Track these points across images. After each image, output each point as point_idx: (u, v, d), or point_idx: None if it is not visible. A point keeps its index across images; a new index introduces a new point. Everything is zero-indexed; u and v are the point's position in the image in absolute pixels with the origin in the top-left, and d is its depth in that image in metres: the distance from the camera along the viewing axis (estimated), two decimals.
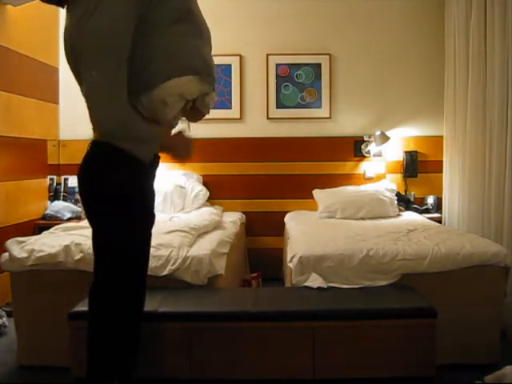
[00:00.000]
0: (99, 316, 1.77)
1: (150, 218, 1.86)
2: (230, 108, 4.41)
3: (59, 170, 4.40)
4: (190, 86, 1.71)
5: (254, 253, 4.33)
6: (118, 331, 1.78)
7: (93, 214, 1.76)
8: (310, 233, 3.17)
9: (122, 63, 1.57)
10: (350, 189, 4.16)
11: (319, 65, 4.39)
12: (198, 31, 1.75)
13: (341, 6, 4.39)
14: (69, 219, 4.01)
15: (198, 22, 1.76)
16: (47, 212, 4.10)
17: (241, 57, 4.42)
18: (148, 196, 1.83)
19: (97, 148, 1.71)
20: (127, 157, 1.67)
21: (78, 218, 4.05)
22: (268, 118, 4.43)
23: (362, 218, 3.82)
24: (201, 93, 1.75)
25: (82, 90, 1.64)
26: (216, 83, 1.87)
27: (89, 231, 3.03)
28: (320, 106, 4.40)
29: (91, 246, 2.64)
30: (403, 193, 4.33)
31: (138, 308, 1.86)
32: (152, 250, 2.57)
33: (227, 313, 2.30)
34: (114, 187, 1.70)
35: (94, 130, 1.73)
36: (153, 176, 1.85)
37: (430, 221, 3.61)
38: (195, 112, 1.84)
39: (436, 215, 4.11)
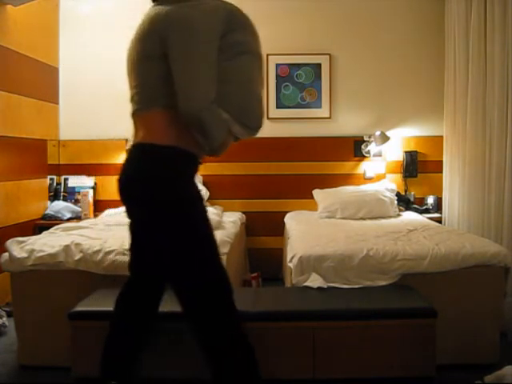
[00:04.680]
0: None
1: None
2: None
3: (59, 170, 4.41)
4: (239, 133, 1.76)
5: (254, 253, 4.33)
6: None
7: (168, 221, 1.69)
8: (309, 233, 3.17)
9: (211, 55, 1.64)
10: (349, 189, 4.16)
11: (319, 65, 4.39)
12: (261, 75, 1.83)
13: (341, 6, 4.39)
14: (69, 219, 4.02)
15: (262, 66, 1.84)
16: (47, 212, 4.10)
17: None
18: None
19: (154, 151, 1.69)
20: (188, 159, 1.71)
21: (77, 218, 4.05)
22: (268, 117, 4.42)
23: (362, 218, 3.82)
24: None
25: (147, 72, 1.70)
26: None
27: (89, 231, 3.04)
28: (320, 106, 4.40)
29: (91, 246, 2.66)
30: (403, 193, 4.33)
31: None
32: None
33: None
34: (184, 192, 1.70)
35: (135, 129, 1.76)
36: None
37: (429, 221, 3.61)
38: None
39: (436, 215, 4.11)
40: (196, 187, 1.75)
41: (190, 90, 1.61)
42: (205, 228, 1.74)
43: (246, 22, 1.82)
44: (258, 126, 1.79)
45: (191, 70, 1.61)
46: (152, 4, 1.78)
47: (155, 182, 1.66)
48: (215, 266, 1.74)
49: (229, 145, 1.78)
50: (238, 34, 1.72)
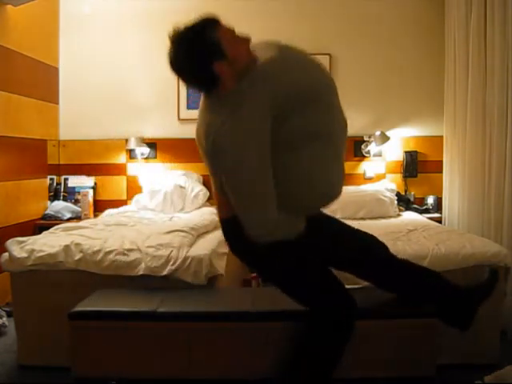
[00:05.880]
0: None
1: None
2: None
3: (59, 170, 4.41)
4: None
5: None
6: None
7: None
8: None
9: (263, 177, 1.61)
10: (349, 189, 4.14)
11: None
12: (333, 148, 1.83)
13: (341, 5, 4.38)
14: (69, 219, 4.02)
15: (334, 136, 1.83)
16: (47, 212, 4.11)
17: None
18: None
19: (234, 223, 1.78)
20: None
21: (78, 218, 4.05)
22: None
23: (362, 218, 3.82)
24: None
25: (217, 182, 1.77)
26: None
27: (89, 231, 3.04)
28: None
29: (91, 246, 2.66)
30: (403, 193, 4.33)
31: None
32: (152, 249, 2.59)
33: (227, 313, 2.30)
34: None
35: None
36: None
37: (429, 221, 3.61)
38: None
39: (436, 215, 4.11)
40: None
41: (248, 220, 1.66)
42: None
43: (299, 87, 1.69)
44: (334, 198, 1.94)
45: (243, 199, 1.63)
46: (202, 96, 1.77)
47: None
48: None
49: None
50: (293, 119, 1.64)
